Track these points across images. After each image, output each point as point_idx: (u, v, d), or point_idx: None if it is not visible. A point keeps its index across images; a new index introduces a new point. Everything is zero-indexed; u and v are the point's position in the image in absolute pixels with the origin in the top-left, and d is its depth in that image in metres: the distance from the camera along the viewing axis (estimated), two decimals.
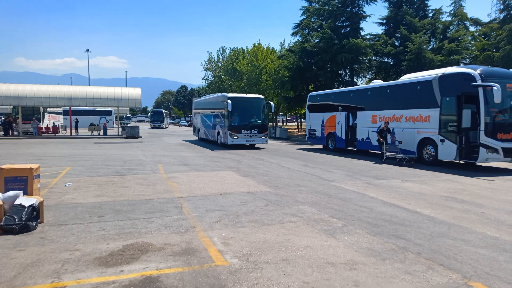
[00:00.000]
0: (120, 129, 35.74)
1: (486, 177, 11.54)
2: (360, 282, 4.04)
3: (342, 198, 8.23)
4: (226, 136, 21.24)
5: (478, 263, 4.59)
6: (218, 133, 22.81)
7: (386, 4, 34.52)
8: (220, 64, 57.12)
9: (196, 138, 29.86)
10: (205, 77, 59.75)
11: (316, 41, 32.92)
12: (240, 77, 46.54)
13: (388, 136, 15.44)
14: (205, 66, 58.95)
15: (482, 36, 32.66)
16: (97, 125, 42.15)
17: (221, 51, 58.68)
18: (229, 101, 20.34)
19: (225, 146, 22.05)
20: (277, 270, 4.30)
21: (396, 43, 32.77)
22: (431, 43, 31.82)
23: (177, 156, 16.89)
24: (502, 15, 31.95)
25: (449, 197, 8.52)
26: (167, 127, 66.03)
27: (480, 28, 33.57)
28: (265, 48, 47.07)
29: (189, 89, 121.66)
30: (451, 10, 34.93)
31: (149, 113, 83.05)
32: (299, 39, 35.36)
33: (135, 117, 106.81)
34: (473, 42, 32.33)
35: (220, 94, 24.71)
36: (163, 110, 68.89)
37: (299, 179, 10.83)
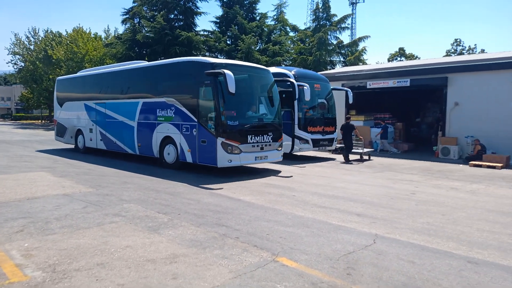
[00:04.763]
0: None
1: (299, 164, 13.26)
2: (179, 274, 4.02)
3: (170, 192, 8.14)
4: (210, 148, 10.10)
5: (285, 240, 5.16)
6: (167, 141, 11.49)
7: (219, 2, 36.08)
8: (32, 48, 49.46)
9: (72, 145, 16.77)
10: (13, 62, 50.89)
11: (148, 30, 31.93)
12: (58, 65, 41.46)
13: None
14: (11, 50, 50.05)
15: (299, 41, 37.56)
16: None
17: (32, 33, 50.80)
18: (227, 73, 9.44)
19: (200, 169, 11.22)
20: (89, 277, 3.90)
21: (228, 42, 34.61)
22: (258, 44, 34.84)
23: None
24: (314, 24, 37.45)
25: (268, 183, 9.42)
26: None
27: (297, 33, 38.55)
28: (88, 33, 43.23)
29: None
30: (275, 15, 39.09)
31: None
32: (130, 27, 33.66)
33: None
34: (292, 46, 36.88)
35: (182, 59, 12.06)
36: None
37: (125, 176, 10.25)
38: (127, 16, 34.30)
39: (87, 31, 43.65)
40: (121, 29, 47.17)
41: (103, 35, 46.59)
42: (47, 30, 49.70)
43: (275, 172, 11.23)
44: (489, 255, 4.69)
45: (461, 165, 13.44)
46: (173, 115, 11.24)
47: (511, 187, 9.30)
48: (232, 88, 9.40)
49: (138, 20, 33.60)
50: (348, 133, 14.24)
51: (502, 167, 12.61)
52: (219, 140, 9.88)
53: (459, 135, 15.32)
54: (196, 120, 10.50)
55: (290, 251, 4.75)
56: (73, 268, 4.12)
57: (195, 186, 8.84)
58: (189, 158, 10.77)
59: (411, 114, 23.03)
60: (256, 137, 10.49)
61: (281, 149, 11.49)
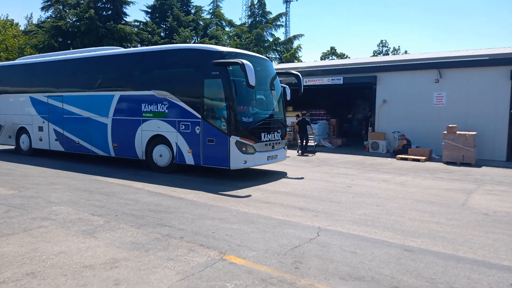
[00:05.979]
0: None
1: None
2: (121, 279, 3.77)
3: (105, 193, 7.65)
4: (220, 148, 8.97)
5: (231, 237, 5.09)
6: (157, 141, 10.15)
7: None
8: None
9: (10, 146, 14.53)
10: None
11: (74, 19, 29.59)
12: None
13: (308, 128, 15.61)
14: None
15: (236, 37, 37.55)
16: None
17: None
18: (247, 64, 8.30)
19: (206, 172, 10.16)
20: None
21: (162, 34, 33.46)
22: (194, 38, 34.18)
23: None
24: (249, 21, 37.65)
25: (208, 180, 9.26)
26: None
27: (233, 29, 38.52)
28: (4, 21, 39.44)
29: None
30: (210, 9, 38.65)
31: None
32: (52, 15, 30.97)
33: None
34: (229, 41, 36.75)
35: (181, 46, 10.85)
36: None
37: (52, 175, 9.46)
38: (49, 3, 31.44)
39: (3, 18, 39.77)
40: (42, 16, 43.29)
41: (24, 23, 42.68)
42: None
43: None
44: (422, 242, 5.04)
45: (389, 158, 14.39)
46: (166, 111, 9.78)
47: (435, 178, 10.15)
48: (252, 81, 8.28)
49: (62, 7, 31.01)
50: (303, 127, 15.25)
51: (425, 160, 13.73)
52: (233, 138, 8.80)
53: (387, 130, 16.38)
54: (199, 116, 9.21)
55: (237, 248, 4.69)
56: None
57: (137, 182, 8.42)
58: (189, 160, 9.50)
59: (344, 110, 24.19)
60: (268, 135, 9.64)
61: (286, 148, 10.79)
